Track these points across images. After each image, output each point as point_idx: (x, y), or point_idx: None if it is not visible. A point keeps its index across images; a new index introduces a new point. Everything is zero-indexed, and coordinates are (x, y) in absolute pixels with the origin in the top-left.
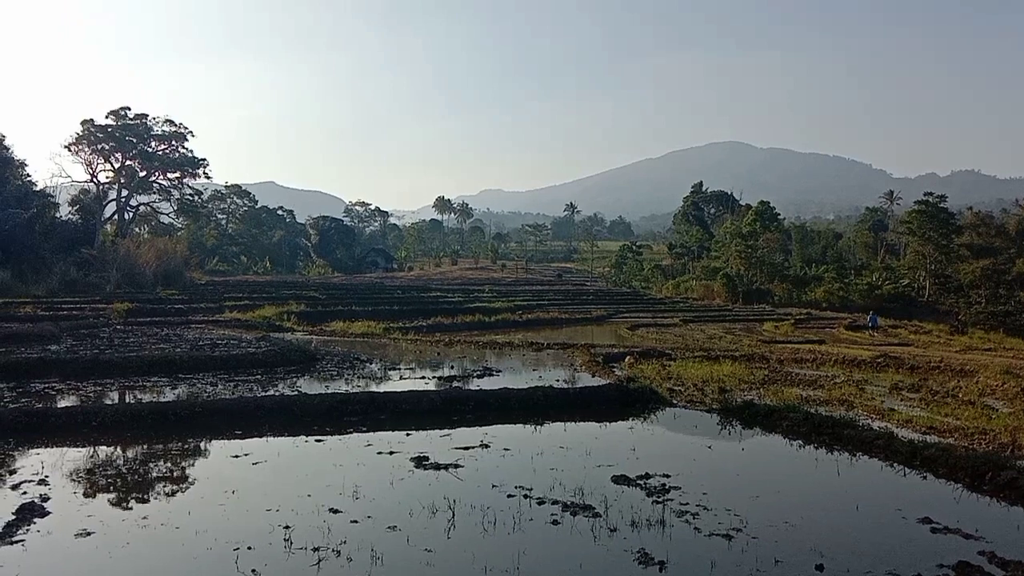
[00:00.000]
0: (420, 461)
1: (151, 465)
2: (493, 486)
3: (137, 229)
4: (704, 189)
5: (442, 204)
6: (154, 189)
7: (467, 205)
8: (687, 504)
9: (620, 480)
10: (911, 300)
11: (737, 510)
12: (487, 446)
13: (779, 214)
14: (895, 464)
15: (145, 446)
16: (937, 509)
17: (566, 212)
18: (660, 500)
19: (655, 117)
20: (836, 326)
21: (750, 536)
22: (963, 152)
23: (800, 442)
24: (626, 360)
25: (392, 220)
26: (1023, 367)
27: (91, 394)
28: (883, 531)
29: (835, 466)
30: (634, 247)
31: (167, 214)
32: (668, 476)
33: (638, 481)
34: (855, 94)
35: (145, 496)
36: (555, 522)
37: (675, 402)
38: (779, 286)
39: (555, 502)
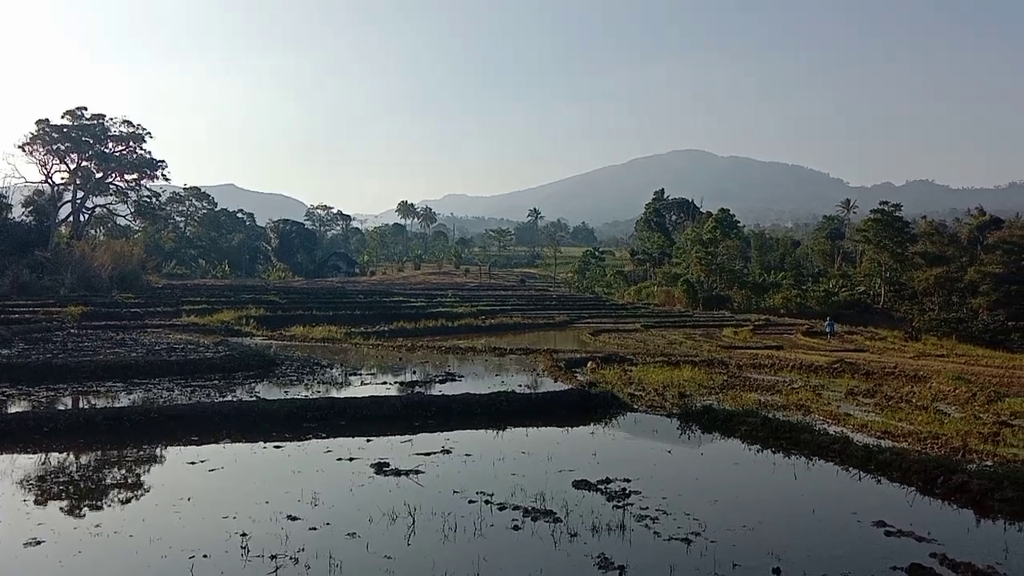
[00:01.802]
0: (380, 467)
1: (105, 472)
2: (454, 492)
3: (93, 231)
4: (666, 196)
5: (405, 208)
6: (111, 191)
7: (431, 210)
8: (647, 508)
9: (581, 485)
10: (867, 307)
11: (696, 514)
12: (448, 452)
13: (739, 222)
14: (850, 468)
15: (99, 452)
16: (891, 512)
17: (530, 218)
18: (620, 505)
19: (619, 124)
20: (794, 332)
21: (709, 540)
22: (918, 162)
23: (758, 447)
24: (588, 365)
25: (355, 224)
26: (974, 373)
27: (43, 399)
28: (839, 534)
29: (792, 470)
30: (597, 253)
31: (124, 216)
32: (628, 481)
33: (599, 486)
34: (815, 105)
35: (98, 503)
36: (516, 528)
37: (636, 407)
38: (738, 292)
39: (516, 508)
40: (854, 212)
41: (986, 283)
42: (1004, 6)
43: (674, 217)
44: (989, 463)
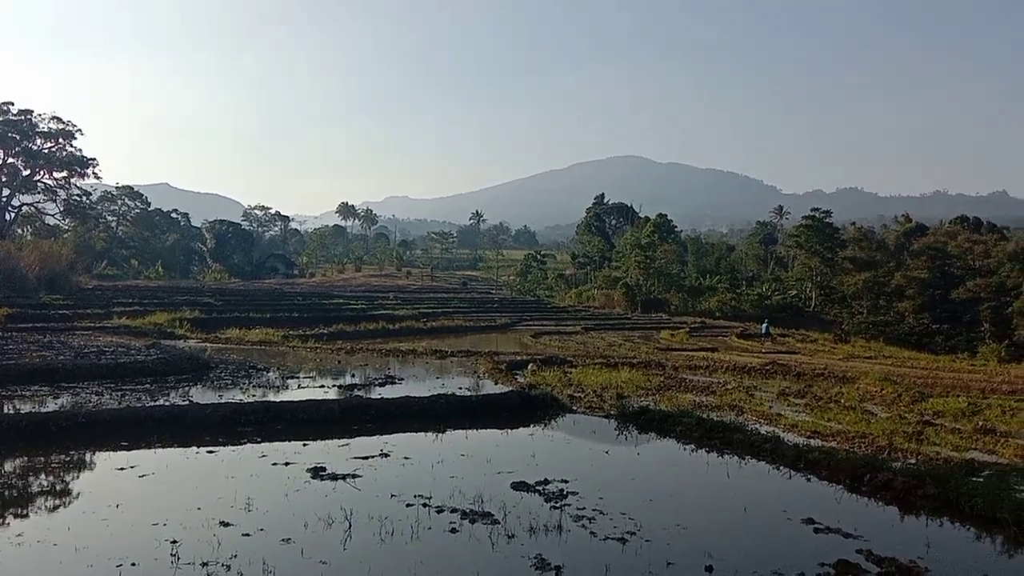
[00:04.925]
0: (317, 472)
1: (29, 479)
2: (392, 496)
3: (20, 230)
4: (606, 201)
5: (346, 210)
6: (39, 189)
7: (372, 211)
8: (584, 509)
9: (519, 487)
10: (798, 310)
11: (632, 514)
12: (387, 455)
13: (676, 227)
14: (781, 467)
15: (24, 459)
16: (819, 510)
17: (472, 220)
18: (558, 506)
19: (560, 129)
20: (728, 334)
21: (644, 539)
22: (848, 171)
23: (693, 446)
24: (529, 367)
25: (294, 225)
26: (900, 374)
27: None
28: (769, 532)
29: (725, 469)
30: (538, 256)
31: (53, 215)
32: (566, 482)
33: (537, 487)
34: (751, 114)
35: (22, 512)
36: (453, 530)
37: (575, 408)
38: (675, 296)
39: (454, 510)
40: (786, 218)
41: (912, 287)
42: (929, 21)
43: (614, 221)
44: (913, 461)
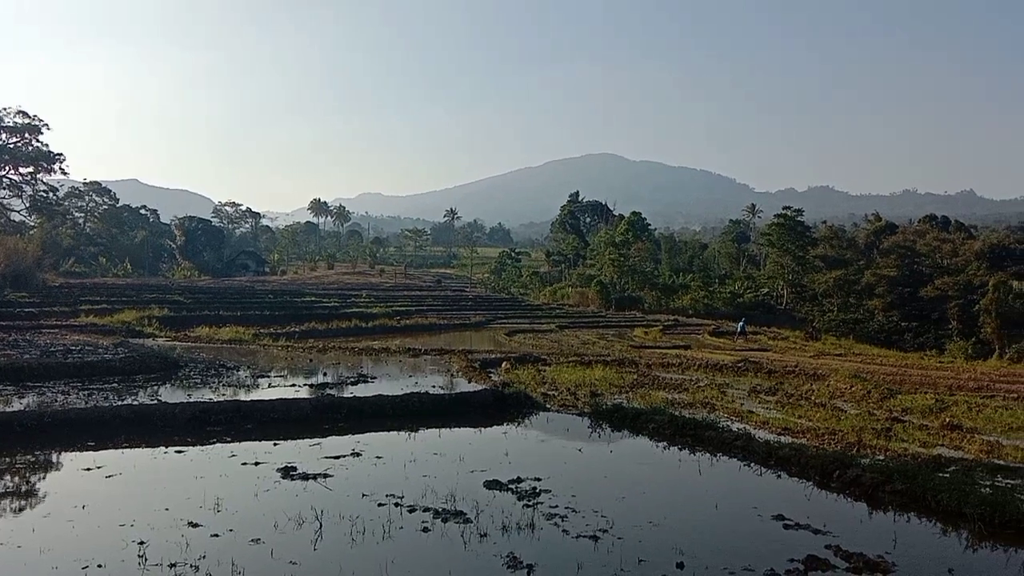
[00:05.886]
0: (287, 471)
1: None
2: (363, 495)
3: None
4: (580, 199)
5: (318, 206)
6: (4, 184)
7: (345, 208)
8: (556, 507)
9: (492, 485)
10: (770, 308)
11: (604, 511)
12: (359, 454)
13: (650, 224)
14: (752, 464)
15: None
16: (789, 506)
17: (446, 218)
18: (531, 504)
19: (536, 127)
20: (701, 332)
21: (616, 536)
22: (819, 169)
23: (665, 443)
24: (503, 366)
25: (265, 222)
26: (869, 371)
27: None
28: (740, 528)
29: (697, 466)
30: (513, 254)
31: (18, 211)
32: (539, 480)
33: (510, 485)
34: (723, 112)
35: None
36: (426, 529)
37: (549, 406)
38: (649, 293)
39: (426, 509)
40: (759, 216)
41: (881, 285)
42: (901, 23)
43: (588, 219)
44: (881, 457)
